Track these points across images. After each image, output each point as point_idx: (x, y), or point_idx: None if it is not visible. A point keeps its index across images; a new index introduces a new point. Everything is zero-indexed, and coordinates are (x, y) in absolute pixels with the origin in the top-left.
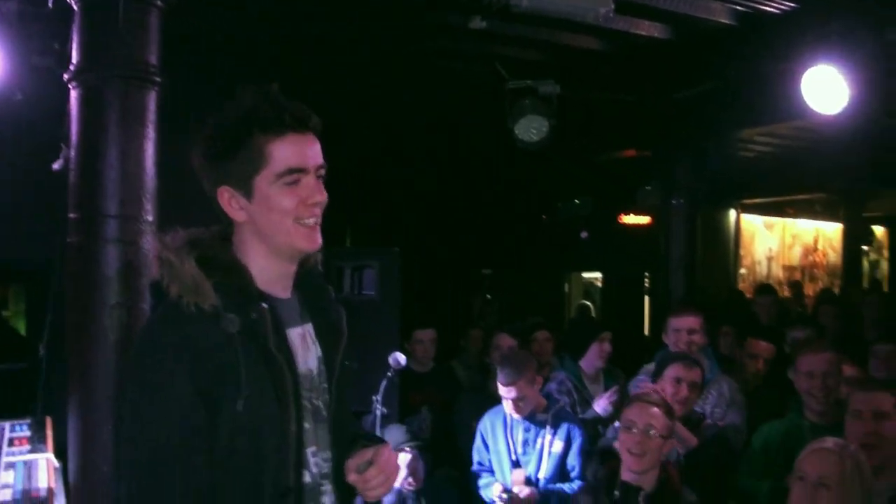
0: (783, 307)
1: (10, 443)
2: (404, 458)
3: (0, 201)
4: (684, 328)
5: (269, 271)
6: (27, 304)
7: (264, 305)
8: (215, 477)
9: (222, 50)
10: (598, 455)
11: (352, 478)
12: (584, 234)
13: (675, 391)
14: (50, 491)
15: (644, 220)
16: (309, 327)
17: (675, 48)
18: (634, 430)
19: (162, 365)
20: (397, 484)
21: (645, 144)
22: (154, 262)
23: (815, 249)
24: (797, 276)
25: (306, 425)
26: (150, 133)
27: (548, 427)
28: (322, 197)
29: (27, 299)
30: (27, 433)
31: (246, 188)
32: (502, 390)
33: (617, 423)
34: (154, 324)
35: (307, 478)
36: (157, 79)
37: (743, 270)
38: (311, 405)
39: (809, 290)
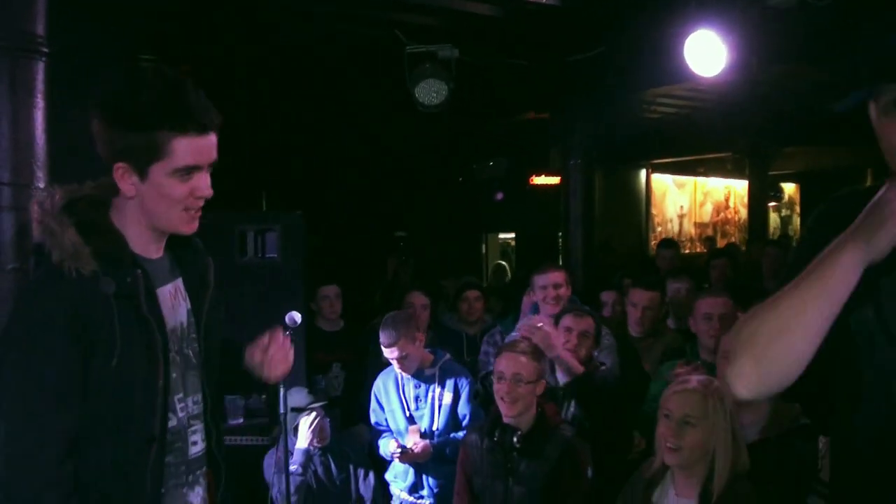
0: (685, 260)
1: None
2: (307, 420)
3: None
4: (550, 284)
5: (145, 237)
6: None
7: (139, 271)
8: (86, 426)
9: (115, 18)
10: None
11: (257, 356)
12: (499, 196)
13: (567, 340)
14: None
15: (554, 180)
16: (179, 282)
17: (566, 14)
18: (504, 380)
19: (43, 323)
20: (305, 444)
21: (543, 107)
22: (35, 226)
23: (727, 207)
24: (709, 232)
25: (174, 375)
26: (40, 102)
27: (436, 381)
28: (209, 193)
29: None
30: None
31: (141, 171)
32: (385, 351)
33: None
34: (36, 285)
35: (173, 422)
36: (45, 49)
37: (658, 228)
38: (182, 355)
39: (723, 245)
